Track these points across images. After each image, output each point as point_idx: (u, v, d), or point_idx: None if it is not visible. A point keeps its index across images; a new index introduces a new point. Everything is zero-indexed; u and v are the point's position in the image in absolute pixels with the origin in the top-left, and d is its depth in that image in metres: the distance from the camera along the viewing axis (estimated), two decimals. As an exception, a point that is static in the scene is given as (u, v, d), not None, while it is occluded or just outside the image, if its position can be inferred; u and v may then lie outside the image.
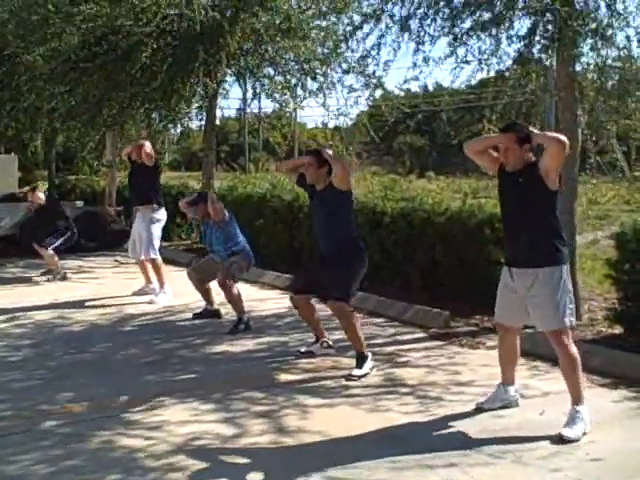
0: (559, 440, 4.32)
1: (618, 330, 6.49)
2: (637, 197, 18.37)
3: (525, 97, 9.46)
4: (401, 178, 25.99)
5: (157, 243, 9.14)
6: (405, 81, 8.01)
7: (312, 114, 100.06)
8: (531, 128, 4.82)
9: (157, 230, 9.15)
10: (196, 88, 11.65)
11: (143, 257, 9.16)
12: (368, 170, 34.33)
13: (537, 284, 4.57)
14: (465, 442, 4.43)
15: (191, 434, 4.60)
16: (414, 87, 36.37)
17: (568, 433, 4.35)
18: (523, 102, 10.12)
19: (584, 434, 4.37)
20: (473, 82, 8.92)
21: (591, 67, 7.25)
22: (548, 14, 6.94)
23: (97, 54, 10.52)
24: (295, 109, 13.64)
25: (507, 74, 8.42)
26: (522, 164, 4.68)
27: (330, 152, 6.16)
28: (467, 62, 7.69)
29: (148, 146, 9.10)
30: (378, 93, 11.10)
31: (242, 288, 9.24)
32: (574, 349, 4.54)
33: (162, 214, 9.23)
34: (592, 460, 4.12)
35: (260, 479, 3.99)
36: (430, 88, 38.88)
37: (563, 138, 4.60)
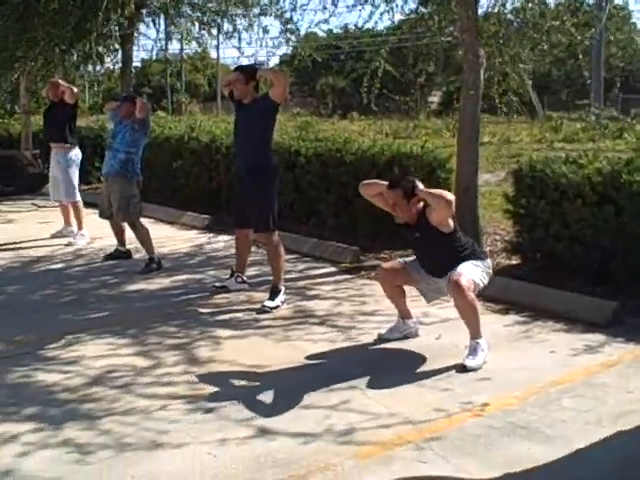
0: (462, 369, 4.63)
1: (515, 261, 6.91)
2: (548, 136, 19.03)
3: (444, 39, 9.72)
4: (315, 119, 26.08)
5: (76, 184, 9.14)
6: (316, 24, 8.16)
7: (237, 55, 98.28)
8: (417, 183, 4.90)
9: (74, 172, 9.12)
10: (111, 28, 11.47)
11: (64, 200, 9.16)
12: (292, 111, 34.33)
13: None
14: (366, 367, 4.73)
15: (106, 367, 4.78)
16: (335, 29, 36.23)
17: (470, 363, 4.67)
18: (444, 42, 10.39)
19: (484, 363, 4.70)
20: (389, 24, 9.04)
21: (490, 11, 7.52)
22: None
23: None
24: (204, 49, 13.53)
25: (427, 15, 8.65)
26: (414, 217, 4.88)
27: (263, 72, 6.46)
28: (375, 5, 7.91)
29: (63, 83, 9.10)
30: (295, 37, 11.17)
31: (161, 229, 9.43)
32: (471, 294, 4.73)
33: (76, 154, 9.18)
34: (481, 379, 4.49)
35: (170, 405, 4.18)
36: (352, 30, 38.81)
37: (449, 197, 4.76)
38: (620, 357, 4.80)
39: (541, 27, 7.88)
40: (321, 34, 24.00)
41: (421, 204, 4.88)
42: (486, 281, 4.97)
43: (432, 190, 4.97)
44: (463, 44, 7.62)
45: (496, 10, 7.86)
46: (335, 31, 34.25)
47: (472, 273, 4.80)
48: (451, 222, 4.87)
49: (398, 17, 8.29)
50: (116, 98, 8.65)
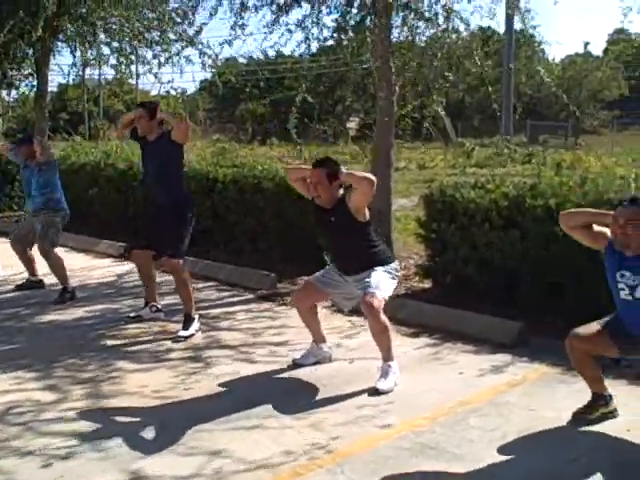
0: (374, 392, 4.69)
1: (427, 284, 7.06)
2: (461, 161, 19.54)
3: (361, 66, 9.92)
4: (234, 145, 26.09)
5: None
6: (220, 43, 8.38)
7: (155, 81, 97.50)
8: (341, 167, 5.01)
9: None
10: (26, 51, 11.34)
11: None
12: (211, 137, 34.21)
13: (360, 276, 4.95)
14: (280, 394, 4.76)
15: (11, 403, 4.65)
16: (256, 54, 36.48)
17: (382, 385, 4.74)
18: (361, 70, 10.59)
19: (396, 385, 4.78)
20: (311, 50, 9.19)
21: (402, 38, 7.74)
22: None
23: None
24: (125, 77, 13.47)
25: (345, 42, 8.81)
26: (332, 202, 4.96)
27: (164, 115, 6.39)
28: (290, 31, 8.03)
29: None
30: (212, 62, 11.22)
31: (76, 257, 9.25)
32: (384, 317, 4.81)
33: None
34: (392, 402, 4.57)
35: (72, 443, 4.07)
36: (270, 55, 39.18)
37: (371, 177, 4.89)
38: (524, 376, 4.95)
39: (452, 56, 8.15)
40: (241, 60, 24.08)
41: (341, 191, 4.97)
42: (394, 285, 5.07)
43: (355, 171, 5.10)
44: (377, 72, 7.81)
45: (410, 39, 8.08)
46: (255, 57, 34.44)
47: (384, 288, 4.87)
48: (367, 213, 4.97)
49: (315, 45, 8.42)
50: (14, 142, 8.51)
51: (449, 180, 7.76)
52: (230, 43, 8.42)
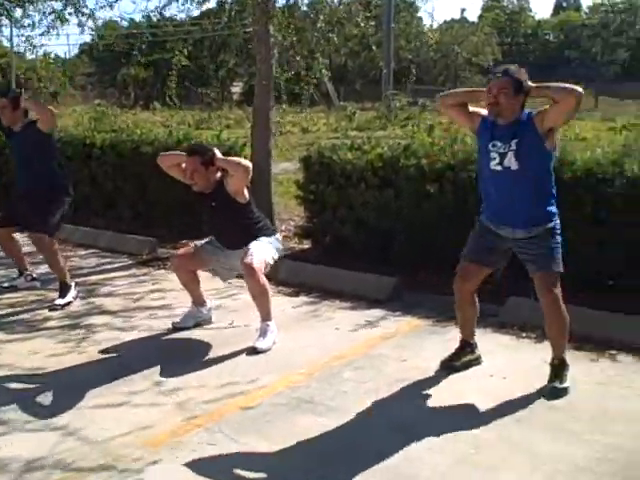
0: (253, 352, 4.77)
1: (307, 245, 7.19)
2: (343, 125, 19.76)
3: (244, 29, 9.82)
4: (116, 110, 25.46)
5: None
6: (101, 7, 8.08)
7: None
8: (216, 151, 5.03)
9: None
10: None
11: None
12: (92, 103, 33.16)
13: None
14: (159, 357, 4.76)
15: None
16: (138, 17, 35.40)
17: (260, 345, 4.83)
18: (242, 34, 10.49)
19: (274, 344, 4.88)
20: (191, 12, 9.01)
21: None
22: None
23: None
24: None
25: (227, 6, 8.70)
26: (211, 186, 4.96)
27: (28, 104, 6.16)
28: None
29: None
30: (90, 23, 10.85)
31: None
32: (263, 278, 4.89)
33: None
34: (270, 360, 4.67)
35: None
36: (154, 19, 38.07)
37: (246, 163, 4.94)
38: (397, 329, 5.16)
39: (333, 19, 8.21)
40: (124, 23, 23.30)
41: (219, 174, 4.98)
42: (277, 256, 5.15)
43: (230, 158, 5.13)
44: (255, 35, 7.78)
45: (291, 2, 8.08)
46: (138, 20, 33.42)
47: (264, 252, 4.95)
48: (246, 193, 5.01)
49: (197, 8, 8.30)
50: None
51: (327, 143, 7.86)
52: (111, 6, 8.16)
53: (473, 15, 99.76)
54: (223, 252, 5.15)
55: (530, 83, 3.98)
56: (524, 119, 3.97)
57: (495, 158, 4.03)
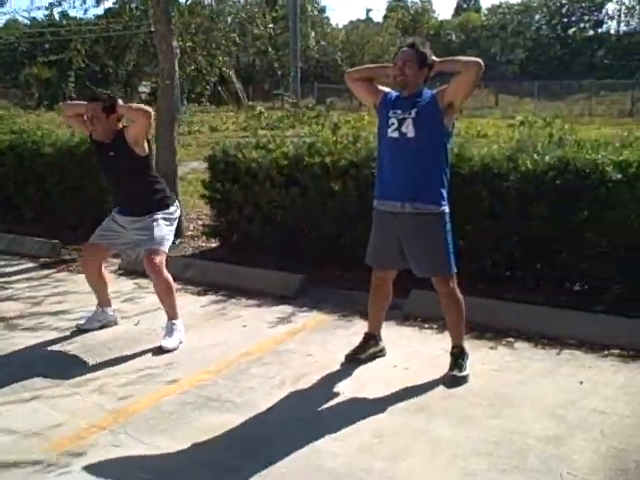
0: (159, 351, 4.74)
1: (215, 244, 7.17)
2: (252, 123, 19.75)
3: (148, 29, 9.70)
4: (19, 111, 24.69)
5: None
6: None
7: None
8: (118, 100, 4.97)
9: None
10: None
11: None
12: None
13: (141, 224, 4.95)
14: (59, 362, 4.68)
15: None
16: (40, 16, 34.30)
17: (167, 344, 4.81)
18: (146, 34, 10.37)
19: (180, 343, 4.86)
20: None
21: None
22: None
23: None
24: None
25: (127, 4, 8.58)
26: (110, 135, 4.90)
27: None
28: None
29: None
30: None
31: None
32: (167, 275, 4.88)
33: None
34: (177, 359, 4.64)
35: None
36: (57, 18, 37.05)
37: (147, 108, 4.87)
38: (304, 325, 5.22)
39: (234, 20, 8.23)
40: (26, 22, 22.60)
41: (120, 125, 4.95)
42: (173, 231, 5.07)
43: (132, 104, 5.08)
44: (157, 34, 7.70)
45: (194, 3, 8.05)
46: (39, 18, 32.43)
47: (165, 240, 4.92)
48: (146, 146, 4.97)
49: (102, 7, 8.21)
50: None
51: (230, 141, 7.85)
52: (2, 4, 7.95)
53: (378, 16, 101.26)
54: (121, 230, 5.06)
55: (434, 58, 4.12)
56: (427, 94, 4.09)
57: (394, 124, 4.11)
